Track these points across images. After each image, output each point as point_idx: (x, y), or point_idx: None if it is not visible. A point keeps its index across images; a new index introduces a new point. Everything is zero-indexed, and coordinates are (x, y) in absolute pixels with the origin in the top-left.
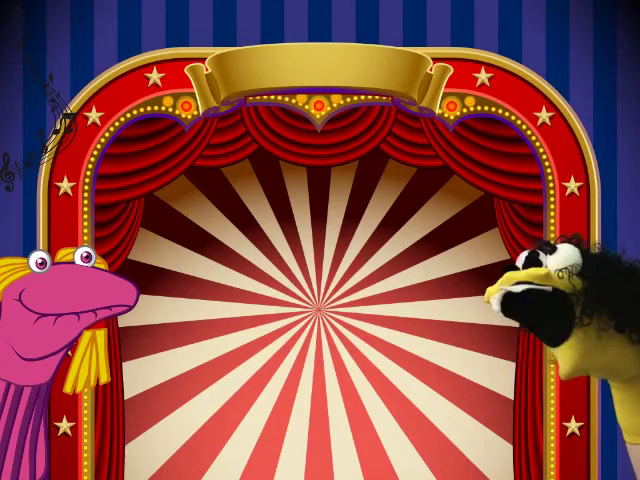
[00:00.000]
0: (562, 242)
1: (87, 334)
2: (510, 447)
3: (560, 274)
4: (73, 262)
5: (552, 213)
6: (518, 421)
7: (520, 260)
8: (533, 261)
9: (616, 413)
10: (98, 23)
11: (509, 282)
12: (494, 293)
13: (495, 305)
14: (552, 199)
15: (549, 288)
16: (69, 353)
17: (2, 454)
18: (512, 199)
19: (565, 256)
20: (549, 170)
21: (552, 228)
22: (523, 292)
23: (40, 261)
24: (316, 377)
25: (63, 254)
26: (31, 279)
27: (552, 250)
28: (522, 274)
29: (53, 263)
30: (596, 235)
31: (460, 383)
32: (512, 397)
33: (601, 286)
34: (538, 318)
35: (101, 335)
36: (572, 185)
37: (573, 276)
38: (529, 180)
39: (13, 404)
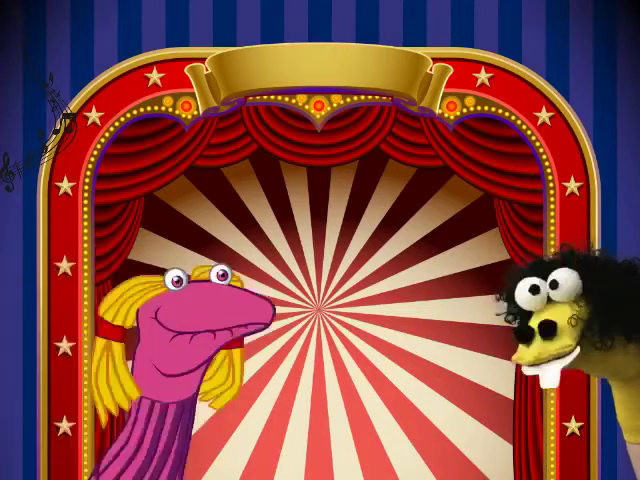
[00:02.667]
0: (560, 252)
1: (223, 353)
2: (510, 447)
3: (572, 322)
4: (209, 280)
5: (552, 213)
6: (518, 421)
7: (521, 298)
8: (534, 291)
9: (616, 413)
10: (98, 23)
11: (539, 361)
12: (533, 365)
13: (552, 380)
14: (552, 199)
15: (573, 352)
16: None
17: (142, 471)
18: (512, 199)
19: (567, 289)
20: (549, 170)
21: (552, 228)
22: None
23: (176, 279)
24: (316, 377)
25: (199, 272)
26: (167, 297)
27: (553, 284)
28: (546, 354)
29: (189, 281)
30: (596, 235)
31: (460, 383)
32: (512, 397)
33: (607, 309)
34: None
35: (237, 353)
36: (572, 185)
37: (581, 321)
38: (529, 180)
39: (158, 423)
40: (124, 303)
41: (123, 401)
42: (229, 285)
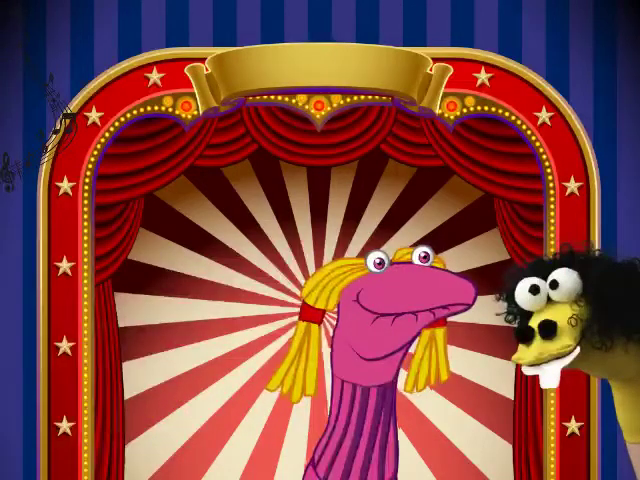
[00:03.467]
0: (559, 252)
1: (426, 332)
2: (510, 447)
3: (572, 322)
4: (411, 262)
5: (552, 213)
6: (518, 421)
7: (522, 298)
8: (534, 292)
9: (616, 412)
10: (98, 23)
11: (539, 362)
12: (533, 365)
13: (552, 380)
14: (552, 199)
15: (573, 353)
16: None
17: (352, 455)
18: (512, 199)
19: (567, 289)
20: (549, 170)
21: (552, 228)
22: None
23: (378, 261)
24: (318, 378)
25: (401, 254)
26: (369, 279)
27: (553, 284)
28: (546, 355)
29: (391, 263)
30: (596, 235)
31: (460, 383)
32: (512, 397)
33: (608, 312)
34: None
35: (440, 333)
36: (572, 185)
37: (580, 321)
38: (529, 180)
39: (362, 406)
40: (326, 286)
41: (311, 387)
42: (431, 267)
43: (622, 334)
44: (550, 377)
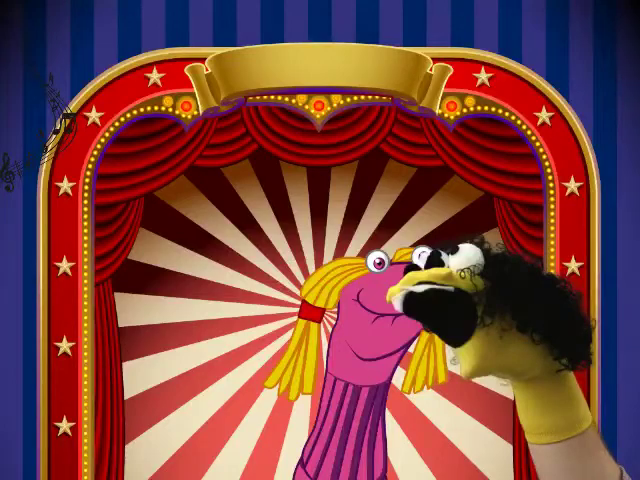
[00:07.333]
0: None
1: (426, 333)
2: (510, 447)
3: (462, 274)
4: (411, 262)
5: (552, 213)
6: (518, 421)
7: (422, 260)
8: (435, 261)
9: (518, 414)
10: (98, 23)
11: (411, 282)
12: (396, 293)
13: (397, 305)
14: (552, 199)
15: (451, 288)
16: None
17: (340, 453)
18: (512, 199)
19: (467, 256)
20: (549, 170)
21: (552, 228)
22: (425, 292)
23: (378, 261)
24: (316, 376)
25: (401, 254)
26: (369, 279)
27: (454, 250)
28: (424, 274)
29: (391, 263)
30: (596, 235)
31: (460, 383)
32: (512, 397)
33: (503, 286)
34: (440, 318)
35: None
36: (572, 185)
37: (475, 276)
38: (529, 180)
39: (351, 404)
40: (326, 285)
41: (309, 385)
42: None
43: (512, 318)
44: (404, 296)
